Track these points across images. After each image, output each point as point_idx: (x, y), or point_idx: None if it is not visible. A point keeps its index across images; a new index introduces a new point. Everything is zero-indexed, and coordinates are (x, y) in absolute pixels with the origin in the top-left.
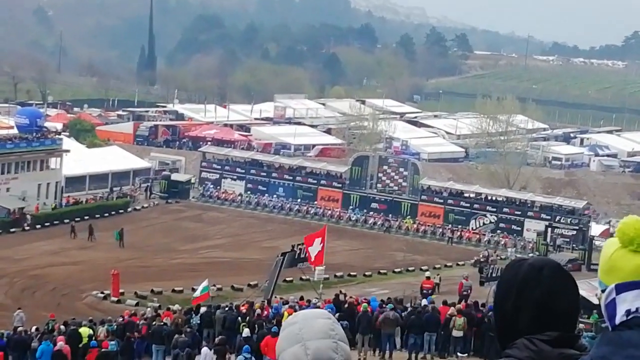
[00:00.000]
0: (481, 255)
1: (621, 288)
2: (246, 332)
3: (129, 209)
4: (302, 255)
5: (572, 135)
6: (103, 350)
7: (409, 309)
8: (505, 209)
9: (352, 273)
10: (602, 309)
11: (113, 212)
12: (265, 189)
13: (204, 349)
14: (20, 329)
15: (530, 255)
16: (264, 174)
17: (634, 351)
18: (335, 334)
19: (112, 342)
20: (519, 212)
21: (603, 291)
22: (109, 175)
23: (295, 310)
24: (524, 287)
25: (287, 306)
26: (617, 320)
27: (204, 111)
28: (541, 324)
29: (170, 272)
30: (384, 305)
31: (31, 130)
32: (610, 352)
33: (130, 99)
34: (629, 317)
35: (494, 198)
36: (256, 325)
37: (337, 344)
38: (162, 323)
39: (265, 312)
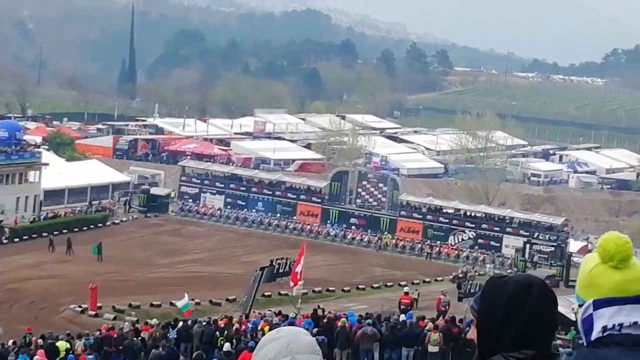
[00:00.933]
0: (460, 271)
1: (599, 304)
2: (227, 346)
3: (108, 223)
4: (280, 270)
5: (551, 152)
6: None
7: (385, 324)
8: (484, 225)
9: (330, 288)
10: (578, 323)
11: (92, 226)
12: (244, 203)
13: None
14: None
15: (509, 272)
16: (244, 188)
17: None
18: (319, 351)
19: (90, 356)
20: (498, 228)
21: (580, 306)
22: (88, 188)
23: (272, 325)
24: (512, 304)
25: (263, 320)
26: (593, 336)
27: (183, 125)
28: (524, 340)
29: (148, 286)
30: (362, 321)
31: (10, 143)
32: None
33: (110, 112)
34: (604, 334)
35: (472, 214)
36: (234, 340)
37: None
38: (134, 338)
39: (243, 327)
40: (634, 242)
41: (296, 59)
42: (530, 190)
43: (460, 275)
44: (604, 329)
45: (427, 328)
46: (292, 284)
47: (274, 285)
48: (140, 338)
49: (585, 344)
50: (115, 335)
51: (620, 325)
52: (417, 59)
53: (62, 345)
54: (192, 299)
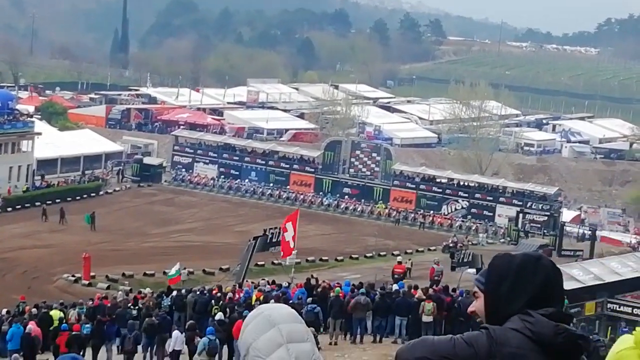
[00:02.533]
0: (450, 241)
1: None
2: (219, 315)
3: (101, 193)
4: (274, 240)
5: (544, 121)
6: (74, 333)
7: (378, 293)
8: (477, 195)
9: (323, 257)
10: None
11: (85, 196)
12: (237, 173)
13: (175, 332)
14: None
15: (502, 241)
16: (237, 158)
17: None
18: (301, 320)
19: (87, 326)
20: (491, 198)
21: None
22: (81, 158)
23: (265, 294)
24: (522, 272)
25: (257, 290)
26: None
27: (177, 95)
28: (535, 305)
29: (141, 255)
30: (355, 290)
31: (3, 112)
32: None
33: (102, 82)
34: None
35: (466, 184)
36: (227, 309)
37: (306, 327)
38: (131, 306)
39: (237, 296)
40: (627, 211)
41: (289, 28)
42: (523, 160)
43: (451, 245)
44: None
45: (417, 296)
46: (282, 254)
47: (267, 255)
48: (137, 307)
49: None
50: (109, 305)
51: None
52: (411, 28)
53: (55, 314)
54: (185, 268)
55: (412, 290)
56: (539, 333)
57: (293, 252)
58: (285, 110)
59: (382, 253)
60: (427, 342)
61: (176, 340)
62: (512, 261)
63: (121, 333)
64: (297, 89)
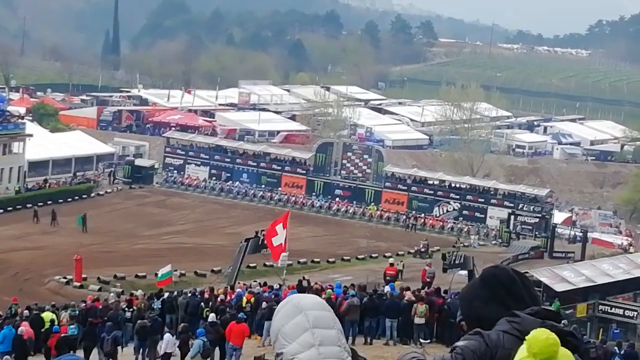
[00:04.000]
0: (422, 245)
1: None
2: (212, 317)
3: (92, 194)
4: (265, 242)
5: (535, 123)
6: (63, 335)
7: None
8: (468, 197)
9: (315, 259)
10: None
11: (76, 197)
12: (229, 174)
13: (167, 335)
14: None
15: (494, 243)
16: (228, 160)
17: None
18: (329, 308)
19: (72, 327)
20: (482, 200)
21: None
22: (72, 160)
23: (256, 296)
24: (485, 288)
25: (247, 292)
26: None
27: (168, 96)
28: (501, 311)
29: (133, 257)
30: (347, 292)
31: None
32: None
33: (94, 83)
34: None
35: (457, 185)
36: (219, 311)
37: (334, 317)
38: (125, 309)
39: (229, 298)
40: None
41: (281, 30)
42: (514, 162)
43: (422, 250)
44: None
45: (407, 298)
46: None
47: (259, 257)
48: (131, 310)
49: None
50: (101, 307)
51: None
52: (402, 30)
53: (47, 316)
54: (176, 270)
55: (403, 292)
56: (526, 331)
57: (282, 253)
58: (276, 112)
59: (374, 255)
60: None
61: (167, 342)
62: (474, 284)
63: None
64: (288, 90)
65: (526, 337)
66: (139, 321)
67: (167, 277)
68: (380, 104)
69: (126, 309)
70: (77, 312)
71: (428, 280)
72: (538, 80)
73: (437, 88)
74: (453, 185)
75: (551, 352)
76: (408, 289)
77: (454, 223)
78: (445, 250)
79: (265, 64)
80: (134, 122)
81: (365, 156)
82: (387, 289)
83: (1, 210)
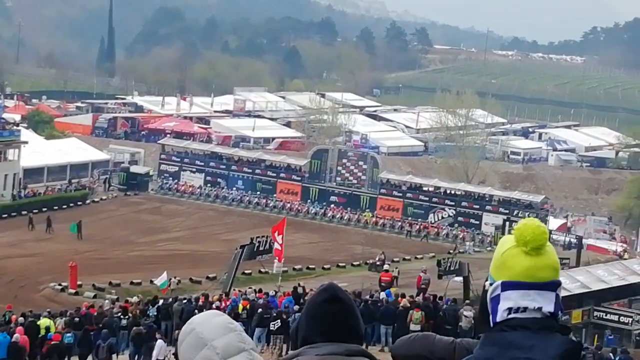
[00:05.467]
0: (377, 258)
1: (507, 286)
2: None
3: (88, 201)
4: (261, 248)
5: (530, 129)
6: (53, 342)
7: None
8: (463, 203)
9: (310, 266)
10: (487, 302)
11: (71, 204)
12: (224, 181)
13: (159, 341)
14: None
15: (489, 249)
16: (224, 166)
17: (517, 352)
18: (234, 326)
19: (69, 335)
20: (478, 206)
21: (491, 284)
22: (67, 167)
23: (252, 302)
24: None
25: (243, 299)
26: (498, 317)
27: (162, 103)
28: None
29: (128, 264)
30: None
31: None
32: (495, 353)
33: (89, 90)
34: (508, 317)
35: (452, 192)
36: None
37: (240, 335)
38: (120, 316)
39: (224, 305)
40: (613, 219)
41: (276, 37)
42: (509, 168)
43: (378, 263)
44: (509, 310)
45: (402, 305)
46: (277, 259)
47: (254, 263)
48: (126, 317)
49: (491, 324)
50: (96, 314)
51: (525, 308)
52: (397, 37)
53: (43, 322)
54: (175, 277)
55: (399, 298)
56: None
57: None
58: (271, 119)
59: (369, 261)
60: (427, 340)
61: (160, 349)
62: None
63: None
64: (283, 97)
65: (514, 227)
66: (134, 328)
67: (165, 285)
68: (375, 111)
69: (122, 316)
70: (72, 319)
71: (423, 286)
72: (533, 87)
73: (432, 95)
74: (448, 191)
75: (543, 239)
76: (403, 295)
77: (450, 229)
78: (440, 257)
79: (261, 70)
80: (129, 129)
81: (361, 163)
82: (382, 295)
83: None
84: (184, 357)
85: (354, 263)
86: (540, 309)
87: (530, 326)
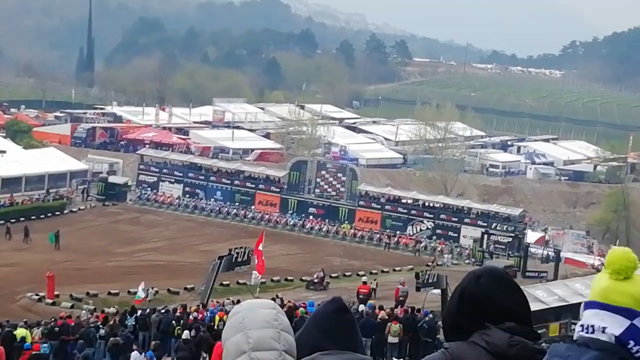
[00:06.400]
0: (315, 276)
1: (586, 305)
2: (186, 334)
3: (66, 211)
4: (239, 259)
5: (509, 143)
6: (34, 352)
7: None
8: (442, 216)
9: (289, 277)
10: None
11: (49, 214)
12: (203, 192)
13: (134, 353)
14: None
15: (467, 262)
16: (202, 177)
17: None
18: (278, 323)
19: (45, 345)
20: (456, 219)
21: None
22: (45, 176)
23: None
24: (463, 291)
25: (220, 309)
26: (575, 334)
27: (142, 114)
28: (479, 324)
29: (106, 274)
30: None
31: None
32: None
33: (68, 100)
34: (579, 333)
35: (431, 204)
36: (193, 329)
37: (279, 334)
38: (98, 326)
39: (201, 316)
40: (591, 233)
41: (255, 48)
42: (488, 181)
43: (316, 281)
44: (581, 327)
45: (380, 317)
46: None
47: (232, 275)
48: (104, 327)
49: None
50: (73, 324)
51: (592, 327)
52: (377, 49)
53: (19, 332)
54: (152, 287)
55: (376, 310)
56: (493, 344)
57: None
58: (251, 130)
59: (347, 273)
60: None
61: None
62: (462, 280)
63: (87, 352)
64: (263, 108)
65: (607, 253)
66: (111, 338)
67: (140, 298)
68: (354, 123)
69: (100, 326)
70: (49, 329)
71: (401, 298)
72: (512, 100)
73: (411, 107)
74: (427, 204)
75: (624, 265)
76: (382, 307)
77: (428, 242)
78: (418, 269)
79: (240, 82)
80: (108, 139)
81: (339, 175)
82: (361, 307)
83: None
84: (225, 333)
85: (332, 275)
86: (604, 329)
87: (590, 345)
